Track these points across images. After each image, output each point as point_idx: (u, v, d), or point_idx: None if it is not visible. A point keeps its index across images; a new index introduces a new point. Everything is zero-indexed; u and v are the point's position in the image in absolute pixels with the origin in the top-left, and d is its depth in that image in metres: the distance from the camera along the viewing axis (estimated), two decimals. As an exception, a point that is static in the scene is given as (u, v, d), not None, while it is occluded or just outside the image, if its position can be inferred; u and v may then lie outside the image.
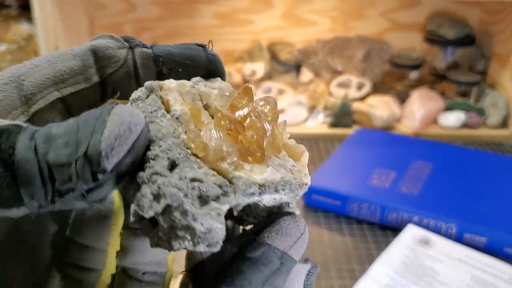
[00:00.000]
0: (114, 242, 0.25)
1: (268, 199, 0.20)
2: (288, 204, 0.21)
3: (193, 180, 0.18)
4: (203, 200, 0.18)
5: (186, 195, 0.18)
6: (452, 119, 1.06)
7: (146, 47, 0.23)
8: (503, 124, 1.07)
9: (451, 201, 0.75)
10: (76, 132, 0.17)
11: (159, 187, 0.18)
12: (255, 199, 0.19)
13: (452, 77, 1.11)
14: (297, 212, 0.21)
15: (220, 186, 0.19)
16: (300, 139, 1.02)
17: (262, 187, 0.19)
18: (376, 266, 0.63)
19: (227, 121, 0.20)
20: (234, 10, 1.18)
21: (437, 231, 0.71)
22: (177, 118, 0.21)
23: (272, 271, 0.19)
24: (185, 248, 0.18)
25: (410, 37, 1.22)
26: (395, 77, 1.21)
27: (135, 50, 0.23)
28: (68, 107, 0.22)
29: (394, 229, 0.73)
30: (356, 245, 0.71)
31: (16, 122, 0.18)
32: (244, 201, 0.19)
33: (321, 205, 0.78)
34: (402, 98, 1.11)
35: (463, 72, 1.14)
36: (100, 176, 0.17)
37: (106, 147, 0.17)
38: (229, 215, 0.19)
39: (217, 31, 1.20)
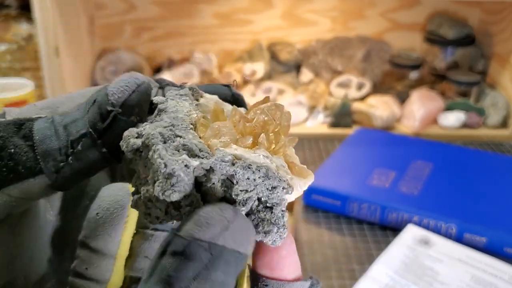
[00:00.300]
0: (124, 247, 0.25)
1: (241, 175, 0.19)
2: (267, 203, 0.20)
3: (178, 136, 0.20)
4: (179, 151, 0.19)
5: (164, 142, 0.19)
6: (452, 119, 1.06)
7: (177, 87, 0.25)
8: (503, 124, 1.07)
9: (451, 201, 0.75)
10: (83, 109, 0.20)
11: (143, 128, 0.20)
12: (228, 169, 0.19)
13: (452, 77, 1.12)
14: (282, 220, 0.20)
15: (200, 150, 0.19)
16: (300, 139, 1.02)
17: (238, 159, 0.19)
18: (376, 266, 0.63)
19: (237, 116, 0.21)
20: (234, 10, 1.18)
21: (437, 231, 0.71)
22: (196, 105, 0.22)
23: (203, 264, 0.18)
24: (146, 182, 0.19)
25: (410, 37, 1.22)
26: (395, 77, 1.21)
27: (166, 89, 0.24)
28: None
29: (394, 229, 0.73)
30: (356, 245, 0.71)
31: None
32: (216, 167, 0.19)
33: (321, 205, 0.78)
34: (402, 98, 1.12)
35: (463, 72, 1.14)
36: (109, 112, 0.20)
37: (112, 89, 0.20)
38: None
39: (217, 31, 1.20)
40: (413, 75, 1.19)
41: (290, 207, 0.69)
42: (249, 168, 0.19)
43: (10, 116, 0.21)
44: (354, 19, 1.20)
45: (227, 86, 0.25)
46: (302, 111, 1.07)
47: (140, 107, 0.21)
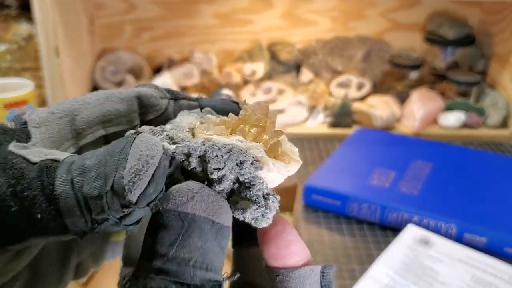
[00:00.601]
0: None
1: (210, 153, 0.21)
2: (240, 183, 0.21)
3: (165, 131, 0.22)
4: (162, 141, 0.22)
5: (153, 134, 0.22)
6: (452, 119, 1.06)
7: (192, 100, 0.26)
8: (503, 124, 1.07)
9: (451, 201, 0.75)
10: (105, 165, 0.19)
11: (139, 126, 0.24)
12: (200, 149, 0.21)
13: (452, 77, 1.12)
14: (262, 200, 0.21)
15: (182, 139, 0.22)
16: (300, 139, 1.03)
17: (208, 140, 0.21)
18: (376, 266, 0.63)
19: (230, 117, 0.23)
20: (234, 10, 1.18)
21: (437, 231, 0.71)
22: (201, 117, 0.24)
23: (178, 231, 0.19)
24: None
25: (410, 37, 1.22)
26: (395, 77, 1.21)
27: (181, 102, 0.26)
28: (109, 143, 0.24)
29: (394, 229, 0.73)
30: (356, 245, 0.71)
31: (54, 156, 0.20)
32: (191, 149, 0.21)
33: (321, 205, 0.78)
34: (402, 98, 1.12)
35: (463, 72, 1.14)
36: (126, 207, 0.19)
37: (128, 182, 0.19)
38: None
39: (217, 31, 1.20)
40: (413, 75, 1.19)
41: (290, 206, 0.70)
42: (216, 145, 0.21)
43: (31, 124, 0.22)
44: (354, 19, 1.20)
45: (236, 103, 0.27)
46: (302, 111, 1.07)
47: (157, 190, 0.20)
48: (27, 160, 0.20)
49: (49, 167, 0.20)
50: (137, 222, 0.20)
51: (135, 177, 0.19)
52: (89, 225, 0.20)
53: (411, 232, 0.70)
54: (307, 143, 1.01)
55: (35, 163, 0.20)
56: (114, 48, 1.17)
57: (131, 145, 0.19)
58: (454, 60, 1.18)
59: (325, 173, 0.82)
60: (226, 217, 0.20)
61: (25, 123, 0.22)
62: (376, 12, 1.20)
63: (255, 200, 0.21)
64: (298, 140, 1.02)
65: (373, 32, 1.21)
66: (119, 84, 1.12)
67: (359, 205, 0.75)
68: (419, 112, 1.04)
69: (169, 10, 1.17)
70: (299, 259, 0.22)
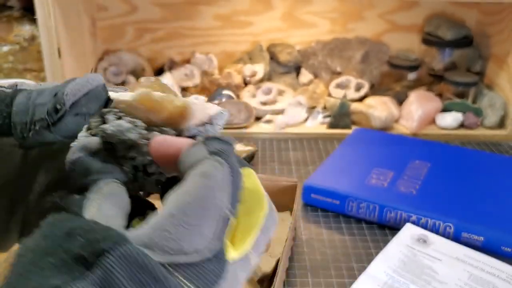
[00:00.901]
0: None
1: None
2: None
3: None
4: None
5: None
6: (450, 119, 1.06)
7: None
8: (501, 125, 1.07)
9: (449, 200, 0.75)
10: (57, 87, 0.28)
11: None
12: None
13: (450, 78, 1.12)
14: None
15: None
16: (300, 139, 1.04)
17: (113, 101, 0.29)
18: (374, 264, 0.64)
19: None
20: (235, 12, 1.19)
21: (435, 230, 0.71)
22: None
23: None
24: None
25: (409, 39, 1.23)
26: (394, 78, 1.22)
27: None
28: None
29: (393, 228, 0.73)
30: (355, 244, 0.71)
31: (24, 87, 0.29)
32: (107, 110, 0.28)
33: (321, 204, 0.79)
34: (401, 99, 1.12)
35: (461, 73, 1.15)
36: (61, 109, 0.27)
37: (68, 92, 0.27)
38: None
39: (218, 33, 1.21)
40: (411, 76, 1.20)
41: (290, 206, 0.70)
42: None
43: (20, 87, 0.30)
44: (353, 20, 1.21)
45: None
46: (302, 111, 1.08)
47: (88, 107, 0.28)
48: (6, 92, 0.29)
49: (18, 90, 0.28)
50: (71, 138, 0.27)
51: (74, 89, 0.27)
52: (29, 126, 0.27)
53: (409, 231, 0.70)
54: (306, 143, 1.02)
55: (9, 90, 0.29)
56: (116, 49, 1.18)
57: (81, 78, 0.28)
58: (452, 61, 1.18)
59: (324, 173, 0.83)
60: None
61: (16, 87, 0.29)
62: (374, 13, 1.20)
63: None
64: (298, 140, 1.03)
65: (372, 34, 1.22)
66: (121, 85, 1.13)
67: (358, 204, 0.76)
68: (417, 113, 1.05)
69: (171, 12, 1.18)
70: (185, 142, 0.25)
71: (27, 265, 0.19)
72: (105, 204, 0.23)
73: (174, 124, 0.28)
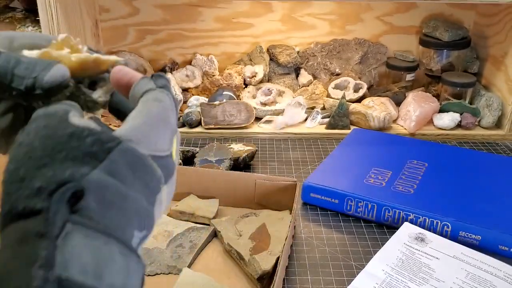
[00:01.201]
0: None
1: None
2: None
3: None
4: None
5: None
6: (447, 119, 1.07)
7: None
8: (498, 125, 1.08)
9: (446, 200, 0.76)
10: (35, 64, 0.31)
11: None
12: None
13: (447, 79, 1.12)
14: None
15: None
16: (299, 139, 1.04)
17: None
18: (373, 262, 0.64)
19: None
20: (235, 14, 1.19)
21: (432, 229, 0.71)
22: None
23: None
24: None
25: (406, 40, 1.23)
26: (392, 79, 1.22)
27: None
28: None
29: (391, 227, 0.74)
30: (354, 242, 0.72)
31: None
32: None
33: (320, 203, 0.79)
34: (399, 99, 1.13)
35: (458, 74, 1.15)
36: (37, 86, 0.31)
37: (49, 78, 0.31)
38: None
39: (219, 34, 1.21)
40: (409, 76, 1.20)
41: (290, 205, 0.71)
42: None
43: None
44: (351, 22, 1.21)
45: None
46: (301, 112, 1.08)
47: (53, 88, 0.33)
48: None
49: None
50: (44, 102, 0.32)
51: (55, 76, 0.32)
52: (5, 88, 0.31)
53: (407, 230, 0.70)
54: (306, 143, 1.03)
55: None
56: (118, 50, 1.19)
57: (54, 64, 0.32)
58: (449, 62, 1.18)
59: (323, 172, 0.83)
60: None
61: None
62: (373, 15, 1.21)
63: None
64: (297, 140, 1.04)
65: (370, 35, 1.23)
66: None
67: (357, 203, 0.76)
68: (415, 113, 1.05)
69: (172, 14, 1.19)
70: (137, 74, 0.33)
71: (39, 158, 0.25)
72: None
73: (77, 75, 0.34)
